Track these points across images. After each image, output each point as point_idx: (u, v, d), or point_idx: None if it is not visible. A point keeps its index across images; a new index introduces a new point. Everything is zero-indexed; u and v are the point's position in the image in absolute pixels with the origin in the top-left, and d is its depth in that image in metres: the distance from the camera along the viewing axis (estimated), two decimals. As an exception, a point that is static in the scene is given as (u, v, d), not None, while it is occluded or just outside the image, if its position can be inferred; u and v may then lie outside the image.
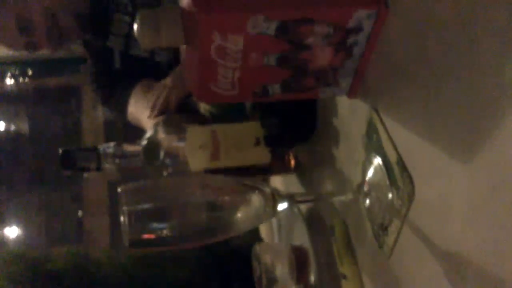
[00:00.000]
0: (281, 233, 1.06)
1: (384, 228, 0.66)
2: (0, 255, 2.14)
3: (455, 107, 0.51)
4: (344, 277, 0.78)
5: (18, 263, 2.05)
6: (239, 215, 0.66)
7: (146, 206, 0.65)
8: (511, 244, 0.46)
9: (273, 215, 0.68)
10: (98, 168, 1.00)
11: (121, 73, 1.34)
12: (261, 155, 0.93)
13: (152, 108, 1.16)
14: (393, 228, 0.64)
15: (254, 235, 1.50)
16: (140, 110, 1.22)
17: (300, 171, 0.99)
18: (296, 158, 0.99)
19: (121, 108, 1.29)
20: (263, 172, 1.02)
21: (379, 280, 0.73)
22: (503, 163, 0.45)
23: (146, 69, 1.31)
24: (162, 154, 0.98)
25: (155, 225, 0.64)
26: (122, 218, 0.62)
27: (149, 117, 1.16)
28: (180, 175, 0.91)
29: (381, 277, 0.72)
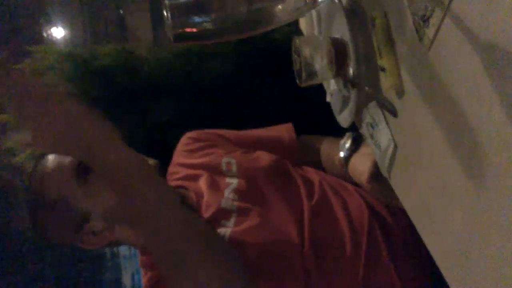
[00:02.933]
0: (320, 26, 1.05)
1: (425, 20, 0.66)
2: (51, 54, 2.20)
3: None
4: (383, 69, 0.79)
5: (68, 62, 2.12)
6: (279, 7, 0.66)
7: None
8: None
9: (313, 7, 0.68)
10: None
11: None
12: None
13: None
14: (434, 19, 0.64)
15: (293, 29, 1.49)
16: None
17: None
18: None
19: None
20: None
21: (417, 73, 0.74)
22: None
23: None
24: None
25: (197, 18, 0.64)
26: (164, 13, 0.62)
27: None
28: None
29: (419, 70, 0.73)
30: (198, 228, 1.01)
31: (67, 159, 1.14)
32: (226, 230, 1.12)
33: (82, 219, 1.12)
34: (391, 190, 0.92)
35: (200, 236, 1.00)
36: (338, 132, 1.17)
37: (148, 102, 2.07)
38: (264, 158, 1.34)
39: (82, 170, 1.13)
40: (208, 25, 0.63)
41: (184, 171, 1.35)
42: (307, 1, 0.65)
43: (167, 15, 0.62)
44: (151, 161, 1.21)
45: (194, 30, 0.62)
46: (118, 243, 1.22)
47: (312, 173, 1.32)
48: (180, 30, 0.62)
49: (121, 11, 5.20)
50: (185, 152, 1.41)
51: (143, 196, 0.92)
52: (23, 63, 2.29)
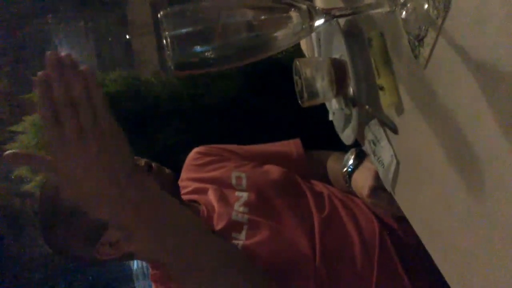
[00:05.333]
0: (320, 47, 1.07)
1: (420, 39, 0.67)
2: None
3: None
4: (381, 88, 0.81)
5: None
6: (277, 33, 0.68)
7: (187, 30, 0.66)
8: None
9: (311, 32, 0.70)
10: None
11: None
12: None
13: None
14: (428, 39, 0.65)
15: (295, 49, 1.51)
16: None
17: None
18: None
19: None
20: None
21: (415, 91, 0.76)
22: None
23: None
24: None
25: (198, 48, 0.66)
26: (165, 43, 0.64)
27: None
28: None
29: (417, 88, 0.74)
30: (223, 247, 1.01)
31: None
32: (238, 243, 1.12)
33: (100, 228, 1.08)
34: (392, 204, 0.93)
35: (224, 254, 0.99)
36: (344, 147, 1.19)
37: (156, 126, 2.10)
38: (274, 171, 1.35)
39: None
40: (209, 54, 0.65)
41: (193, 185, 1.36)
42: (304, 26, 0.67)
43: (167, 45, 0.64)
44: (167, 171, 1.22)
45: (195, 59, 0.64)
46: (131, 257, 1.21)
47: (320, 187, 1.33)
48: (181, 60, 0.64)
49: (127, 36, 5.26)
50: (194, 167, 1.42)
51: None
52: (30, 94, 2.33)
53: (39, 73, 0.71)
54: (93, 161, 0.73)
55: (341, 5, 0.98)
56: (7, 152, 0.75)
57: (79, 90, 0.72)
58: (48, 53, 0.71)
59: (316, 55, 1.14)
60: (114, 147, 0.75)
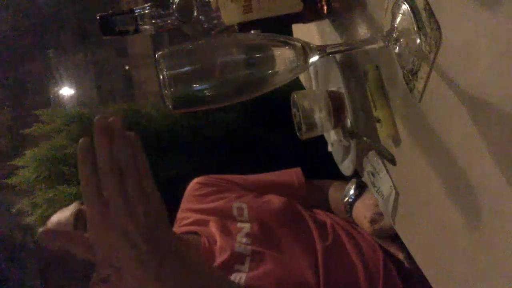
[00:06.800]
0: (318, 80, 1.08)
1: (414, 73, 0.68)
2: (58, 117, 2.25)
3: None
4: (378, 120, 0.82)
5: (75, 123, 2.17)
6: (273, 70, 0.69)
7: (184, 69, 0.67)
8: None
9: (306, 68, 0.71)
10: (136, 31, 1.02)
11: None
12: (293, 3, 0.93)
13: None
14: (422, 73, 0.66)
15: (294, 80, 1.53)
16: None
17: (333, 17, 0.99)
18: (328, 4, 0.98)
19: None
20: (296, 20, 1.02)
21: (411, 123, 0.76)
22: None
23: None
24: (195, 11, 0.99)
25: (195, 87, 0.67)
26: (162, 83, 0.65)
27: None
28: (215, 37, 0.93)
29: (412, 120, 0.75)
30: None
31: (68, 213, 1.10)
32: (242, 275, 1.11)
33: (87, 268, 1.06)
34: (393, 232, 0.93)
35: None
36: (345, 177, 1.19)
37: (156, 158, 2.10)
38: (275, 201, 1.35)
39: (81, 220, 1.07)
40: (206, 93, 0.65)
41: (194, 216, 1.35)
42: (299, 63, 0.68)
43: (165, 85, 0.64)
44: None
45: (193, 98, 0.65)
46: None
47: (323, 215, 1.33)
48: (179, 99, 0.65)
49: (126, 67, 5.30)
50: (195, 197, 1.41)
51: None
52: (31, 128, 2.34)
53: (81, 139, 0.68)
54: (137, 231, 0.68)
55: (337, 37, 1.00)
56: (41, 230, 0.71)
57: (128, 155, 0.69)
58: (96, 118, 0.68)
59: (314, 87, 1.15)
60: (157, 216, 0.71)
